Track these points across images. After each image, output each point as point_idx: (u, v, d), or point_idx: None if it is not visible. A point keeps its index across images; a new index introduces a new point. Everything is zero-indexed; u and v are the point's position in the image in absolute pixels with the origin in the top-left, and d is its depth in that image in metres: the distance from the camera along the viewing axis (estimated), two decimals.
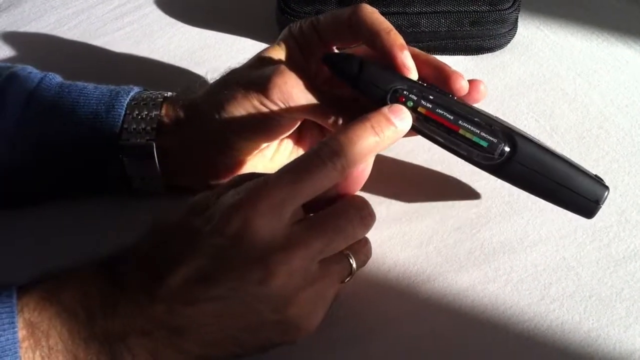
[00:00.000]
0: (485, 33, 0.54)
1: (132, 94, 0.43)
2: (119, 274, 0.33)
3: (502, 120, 0.38)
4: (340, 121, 0.39)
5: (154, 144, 0.41)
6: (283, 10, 0.55)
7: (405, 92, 0.37)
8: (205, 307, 0.32)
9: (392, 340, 0.37)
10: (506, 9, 0.53)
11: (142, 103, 0.42)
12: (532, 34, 0.57)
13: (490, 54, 0.55)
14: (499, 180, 0.38)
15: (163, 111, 0.42)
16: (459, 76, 0.39)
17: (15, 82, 0.44)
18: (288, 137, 0.44)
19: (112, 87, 0.44)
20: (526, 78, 0.53)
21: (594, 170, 0.38)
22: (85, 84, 0.44)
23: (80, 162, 0.43)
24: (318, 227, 0.34)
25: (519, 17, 0.55)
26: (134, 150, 0.42)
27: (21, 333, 0.31)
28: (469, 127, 0.37)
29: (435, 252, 0.41)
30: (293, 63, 0.41)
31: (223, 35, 0.59)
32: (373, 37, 0.39)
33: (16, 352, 0.30)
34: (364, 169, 0.36)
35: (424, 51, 0.41)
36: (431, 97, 0.37)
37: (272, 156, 0.44)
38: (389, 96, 0.37)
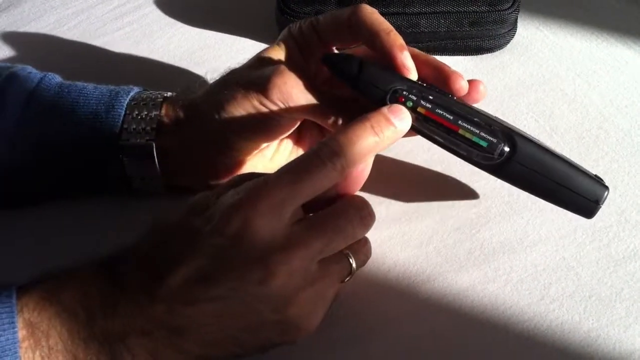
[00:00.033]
0: (485, 33, 0.54)
1: (131, 94, 0.43)
2: (119, 274, 0.33)
3: (501, 120, 0.38)
4: (340, 121, 0.39)
5: (154, 144, 0.41)
6: (283, 10, 0.55)
7: (404, 93, 0.37)
8: (205, 307, 0.32)
9: (392, 340, 0.37)
10: (506, 10, 0.53)
11: (141, 103, 0.42)
12: (532, 35, 0.57)
13: (489, 55, 0.55)
14: (499, 180, 0.38)
15: (163, 111, 0.42)
16: (459, 76, 0.39)
17: (15, 82, 0.44)
18: (288, 137, 0.44)
19: (112, 87, 0.44)
20: (526, 78, 0.53)
21: (593, 171, 0.38)
22: (85, 84, 0.44)
23: (80, 162, 0.43)
24: (318, 227, 0.34)
25: (518, 18, 0.55)
26: (134, 151, 0.42)
27: (21, 333, 0.31)
28: (469, 127, 0.37)
29: (435, 252, 0.41)
30: (293, 63, 0.41)
31: (223, 35, 0.59)
32: (373, 37, 0.39)
33: (16, 352, 0.30)
34: (363, 169, 0.36)
35: (423, 51, 0.41)
36: (431, 97, 0.37)
37: (271, 156, 0.44)
38: (388, 96, 0.37)
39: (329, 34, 0.41)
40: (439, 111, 0.37)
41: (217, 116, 0.40)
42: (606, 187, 0.37)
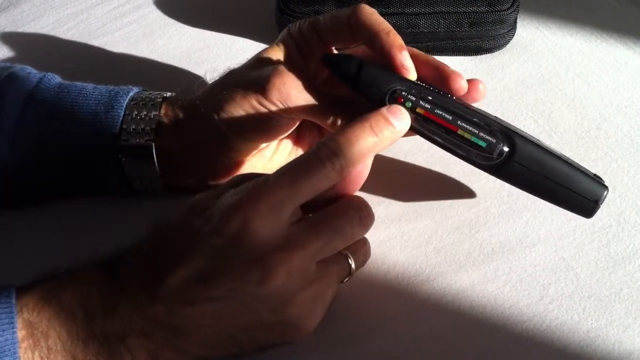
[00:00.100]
0: (484, 34, 0.54)
1: (131, 94, 0.43)
2: (118, 274, 0.33)
3: (501, 120, 0.38)
4: (339, 122, 0.39)
5: (153, 145, 0.41)
6: (282, 10, 0.55)
7: (403, 93, 0.37)
8: (205, 308, 0.32)
9: (391, 340, 0.37)
10: (505, 10, 0.53)
11: (141, 103, 0.42)
12: (531, 35, 0.57)
13: (489, 55, 0.55)
14: (498, 181, 0.38)
15: (162, 111, 0.42)
16: (458, 76, 0.39)
17: (15, 82, 0.44)
18: (287, 137, 0.44)
19: (111, 87, 0.44)
20: (525, 78, 0.53)
21: (592, 171, 0.38)
22: (84, 84, 0.44)
23: (80, 162, 0.43)
24: (317, 227, 0.34)
25: (518, 18, 0.55)
26: (133, 151, 0.42)
27: (20, 333, 0.31)
28: (468, 127, 0.37)
29: (434, 253, 0.41)
30: (292, 64, 0.41)
31: (222, 35, 0.59)
32: (372, 37, 0.39)
33: (15, 353, 0.30)
34: (362, 169, 0.36)
35: (423, 52, 0.41)
36: (430, 98, 0.37)
37: (271, 156, 0.44)
38: (387, 97, 0.37)
39: (328, 34, 0.41)
40: (438, 111, 0.37)
41: (216, 116, 0.40)
42: (605, 187, 0.37)
